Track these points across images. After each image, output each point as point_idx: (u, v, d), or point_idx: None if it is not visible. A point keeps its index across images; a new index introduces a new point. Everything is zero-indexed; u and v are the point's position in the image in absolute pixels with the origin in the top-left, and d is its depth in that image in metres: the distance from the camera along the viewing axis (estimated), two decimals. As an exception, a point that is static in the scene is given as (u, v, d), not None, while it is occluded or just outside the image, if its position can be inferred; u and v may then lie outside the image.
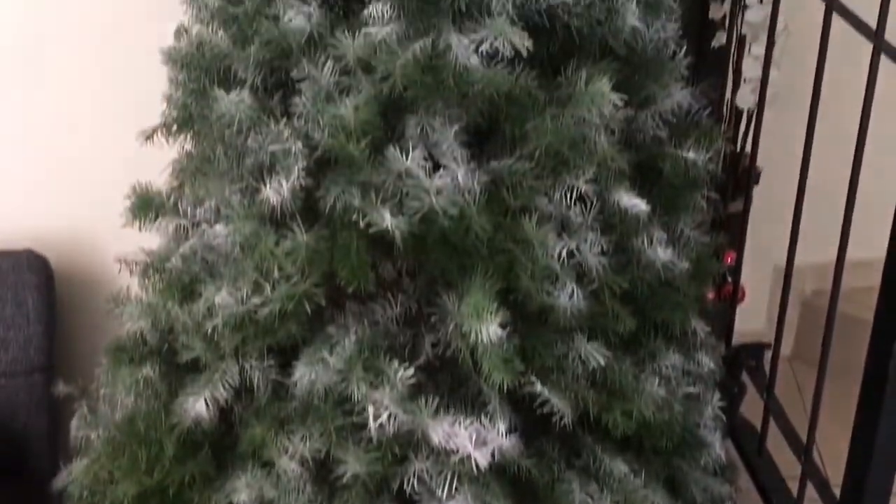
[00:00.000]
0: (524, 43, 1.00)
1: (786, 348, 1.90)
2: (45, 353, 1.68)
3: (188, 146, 1.25)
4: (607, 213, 1.09)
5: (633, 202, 1.09)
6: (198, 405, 1.13)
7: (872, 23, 1.30)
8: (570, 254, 1.06)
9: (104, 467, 1.23)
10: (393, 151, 1.03)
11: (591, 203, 1.07)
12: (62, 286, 1.73)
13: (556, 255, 1.06)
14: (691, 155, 1.16)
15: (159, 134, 1.25)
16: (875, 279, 1.69)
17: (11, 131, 1.75)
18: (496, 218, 1.04)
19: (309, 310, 1.08)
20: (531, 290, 1.07)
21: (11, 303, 1.66)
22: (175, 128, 1.19)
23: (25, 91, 1.73)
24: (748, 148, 1.87)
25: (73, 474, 1.28)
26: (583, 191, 1.07)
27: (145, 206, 1.29)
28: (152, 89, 1.25)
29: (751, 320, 2.18)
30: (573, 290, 1.07)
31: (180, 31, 1.19)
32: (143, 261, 1.30)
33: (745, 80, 1.80)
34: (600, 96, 1.03)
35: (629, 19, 1.09)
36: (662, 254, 1.13)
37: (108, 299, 1.25)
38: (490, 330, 1.02)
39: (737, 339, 1.86)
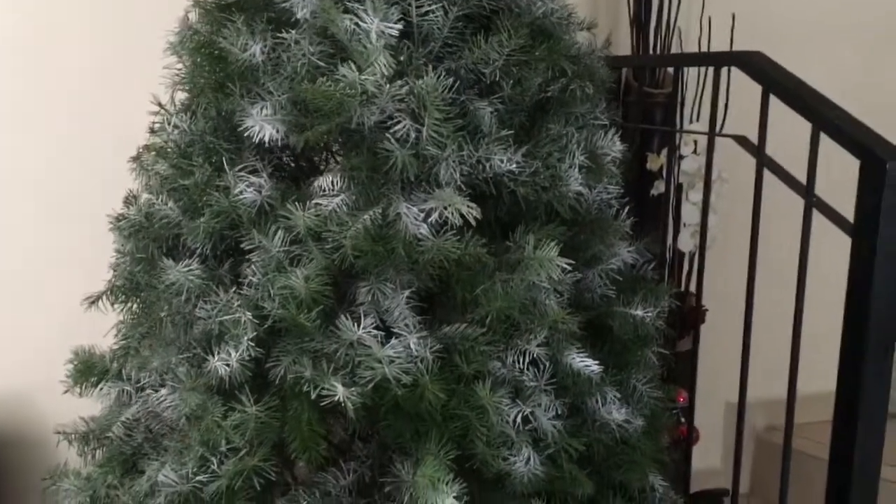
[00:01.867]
0: (472, 213, 1.02)
1: (742, 486, 1.89)
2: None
3: (135, 310, 1.23)
4: (560, 375, 1.09)
5: (586, 363, 1.09)
6: (138, 591, 1.06)
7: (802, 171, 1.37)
8: (525, 419, 1.05)
9: None
10: (344, 321, 1.02)
11: (544, 366, 1.07)
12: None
13: (511, 421, 1.05)
14: (639, 312, 1.18)
15: (104, 300, 1.23)
16: (823, 414, 1.70)
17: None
18: (450, 385, 1.04)
19: (258, 485, 1.04)
20: (487, 457, 1.05)
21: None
22: (122, 296, 1.17)
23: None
24: (692, 287, 1.91)
25: None
26: (535, 354, 1.07)
27: (87, 370, 1.25)
28: (98, 251, 1.24)
29: (706, 457, 2.17)
30: (529, 455, 1.06)
31: (129, 199, 1.19)
32: (83, 430, 1.25)
33: (684, 225, 1.86)
34: (548, 261, 1.05)
35: (573, 185, 1.12)
36: (617, 413, 1.12)
37: (44, 475, 1.19)
38: (447, 502, 0.99)
39: (693, 477, 1.84)
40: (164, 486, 1.04)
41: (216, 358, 1.05)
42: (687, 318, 1.91)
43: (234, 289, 1.08)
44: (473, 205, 1.03)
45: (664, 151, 1.80)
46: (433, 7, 1.05)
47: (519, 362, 1.07)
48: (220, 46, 1.11)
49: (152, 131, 1.20)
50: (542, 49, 1.11)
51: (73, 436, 1.22)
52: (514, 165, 1.07)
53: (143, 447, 1.14)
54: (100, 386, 1.25)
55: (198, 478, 1.03)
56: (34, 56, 1.71)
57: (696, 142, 1.82)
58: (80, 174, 1.72)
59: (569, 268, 1.07)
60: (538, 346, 1.07)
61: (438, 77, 1.03)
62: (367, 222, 1.03)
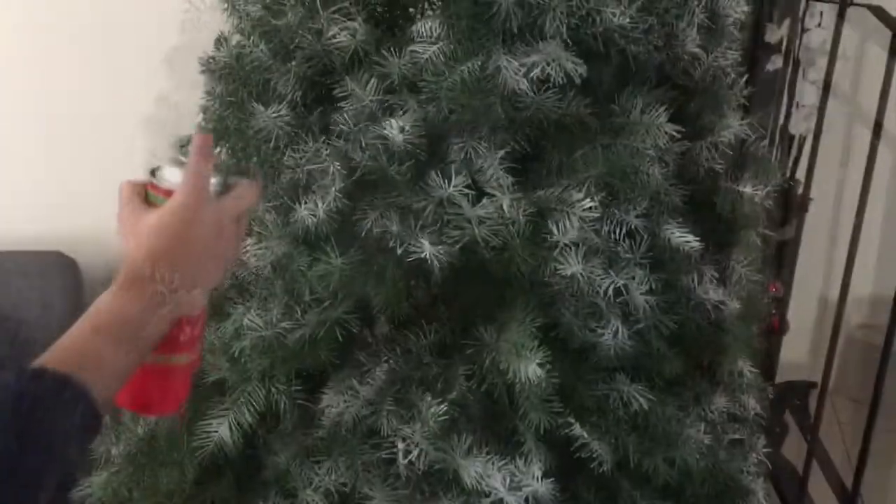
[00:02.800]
0: (578, 70, 0.95)
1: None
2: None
3: (224, 156, 1.21)
4: (657, 249, 1.04)
5: (685, 238, 1.03)
6: (222, 429, 1.09)
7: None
8: (617, 291, 1.01)
9: (124, 484, 1.20)
10: (435, 177, 0.98)
11: (641, 238, 1.02)
12: (90, 289, 1.71)
13: (602, 292, 1.01)
14: (748, 190, 1.10)
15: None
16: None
17: (35, 133, 1.72)
18: (541, 251, 0.99)
19: (340, 336, 1.04)
20: (574, 327, 1.02)
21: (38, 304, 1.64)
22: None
23: (48, 97, 1.70)
24: (798, 175, 1.80)
25: (92, 487, 1.25)
26: (633, 225, 1.01)
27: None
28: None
29: (793, 350, 2.11)
30: (618, 329, 1.02)
31: (219, 41, 1.15)
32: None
33: (798, 106, 1.73)
34: (656, 127, 0.98)
35: (689, 45, 1.03)
36: (713, 294, 1.07)
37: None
38: (530, 369, 0.97)
39: (779, 371, 1.79)
40: (250, 329, 1.04)
41: (303, 208, 1.03)
42: (790, 206, 1.81)
43: (323, 138, 1.04)
44: (580, 61, 0.96)
45: (786, 22, 1.65)
46: None
47: (615, 233, 1.02)
48: None
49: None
50: None
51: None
52: (627, 20, 0.99)
53: (229, 292, 1.15)
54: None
55: (282, 324, 1.03)
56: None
57: (822, 13, 1.66)
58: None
59: (677, 136, 1.00)
60: (637, 216, 1.01)
61: (552, -84, 0.94)
62: (465, 74, 0.97)
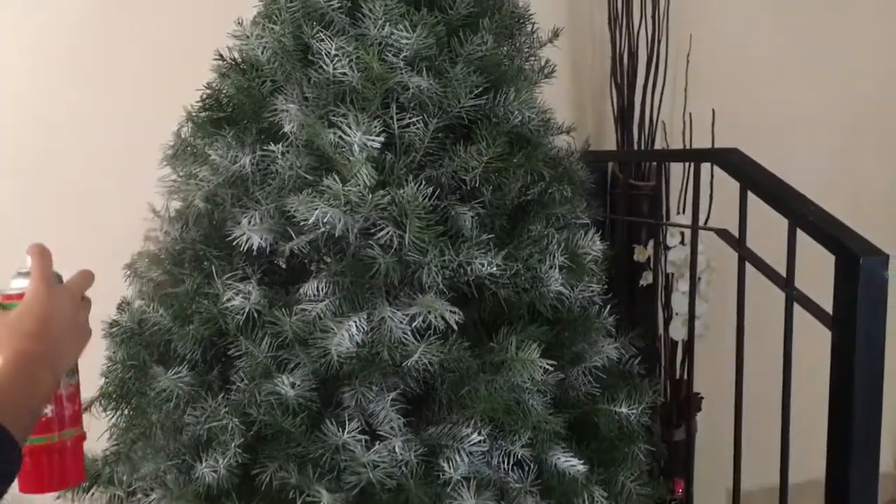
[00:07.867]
0: (455, 317, 1.05)
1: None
2: None
3: (127, 415, 1.24)
4: (546, 475, 1.10)
5: (571, 462, 1.10)
6: None
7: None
8: (511, 522, 1.05)
9: None
10: (330, 425, 1.04)
11: (529, 467, 1.08)
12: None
13: (497, 524, 1.05)
14: (624, 409, 1.19)
15: (97, 406, 1.25)
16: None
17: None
18: (435, 489, 1.04)
19: None
20: (473, 562, 1.05)
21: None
22: (113, 402, 1.19)
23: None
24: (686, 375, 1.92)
25: None
26: (520, 455, 1.08)
27: (80, 475, 1.26)
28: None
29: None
30: (516, 560, 1.05)
31: (122, 306, 1.22)
32: (74, 536, 1.25)
33: (675, 314, 1.88)
34: (530, 362, 1.07)
35: (553, 285, 1.15)
36: (605, 514, 1.12)
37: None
38: None
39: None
40: None
41: (204, 465, 1.06)
42: (682, 407, 1.91)
43: (222, 395, 1.10)
44: (456, 309, 1.05)
45: (651, 243, 1.83)
46: (414, 119, 1.10)
47: (504, 463, 1.08)
48: (211, 159, 1.15)
49: (147, 238, 1.24)
50: (520, 156, 1.16)
51: (63, 544, 1.22)
52: (495, 268, 1.10)
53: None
54: (91, 491, 1.25)
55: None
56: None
57: (682, 233, 1.85)
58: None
59: (551, 368, 1.09)
60: (523, 446, 1.08)
61: (419, 186, 1.07)
62: (353, 328, 1.05)
